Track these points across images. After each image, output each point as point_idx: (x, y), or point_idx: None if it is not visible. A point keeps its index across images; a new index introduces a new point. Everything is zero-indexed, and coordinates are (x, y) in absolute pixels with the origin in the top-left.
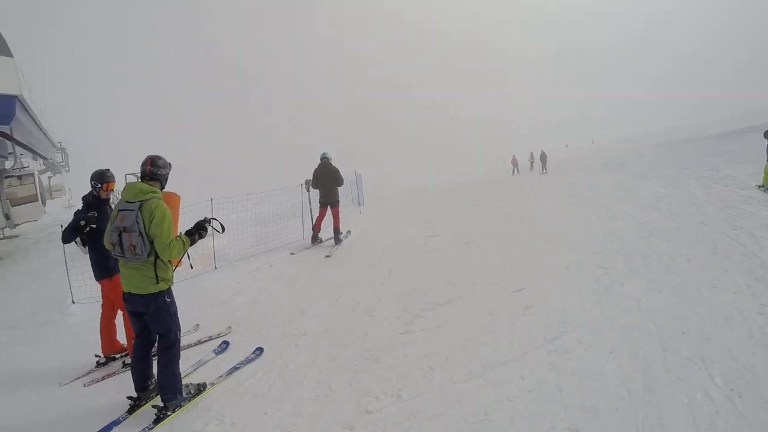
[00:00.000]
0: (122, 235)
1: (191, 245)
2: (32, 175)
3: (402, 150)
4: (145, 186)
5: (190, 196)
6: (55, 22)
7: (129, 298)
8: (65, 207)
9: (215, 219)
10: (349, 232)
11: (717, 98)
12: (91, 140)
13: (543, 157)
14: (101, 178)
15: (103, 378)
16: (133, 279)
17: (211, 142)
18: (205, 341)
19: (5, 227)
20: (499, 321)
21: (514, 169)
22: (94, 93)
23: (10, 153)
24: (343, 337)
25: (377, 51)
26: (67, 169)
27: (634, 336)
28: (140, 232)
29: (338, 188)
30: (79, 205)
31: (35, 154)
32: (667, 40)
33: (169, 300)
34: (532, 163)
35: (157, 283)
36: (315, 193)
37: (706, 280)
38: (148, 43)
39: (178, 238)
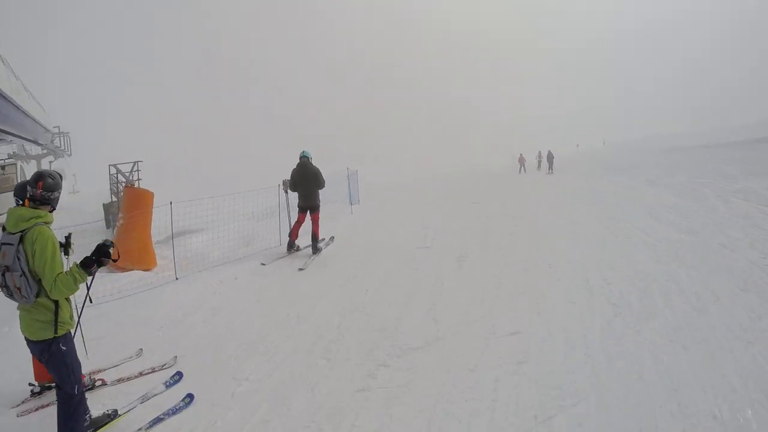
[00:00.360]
0: (6, 274)
1: (91, 276)
2: (15, 165)
3: (408, 143)
4: (26, 211)
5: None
6: (55, 22)
7: (27, 341)
8: (69, 192)
9: (110, 244)
10: (332, 238)
11: (726, 104)
12: (92, 140)
13: (550, 157)
14: (24, 192)
15: (37, 409)
16: (24, 321)
17: (211, 141)
18: (147, 373)
19: None
20: (482, 381)
21: (520, 167)
22: (94, 92)
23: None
24: (288, 390)
25: (382, 47)
26: (69, 153)
27: (651, 419)
28: (23, 272)
29: (319, 191)
30: (86, 192)
31: (22, 139)
32: (674, 39)
33: (64, 348)
34: (539, 162)
35: (50, 328)
36: (294, 195)
37: (738, 330)
38: (149, 42)
39: (68, 272)
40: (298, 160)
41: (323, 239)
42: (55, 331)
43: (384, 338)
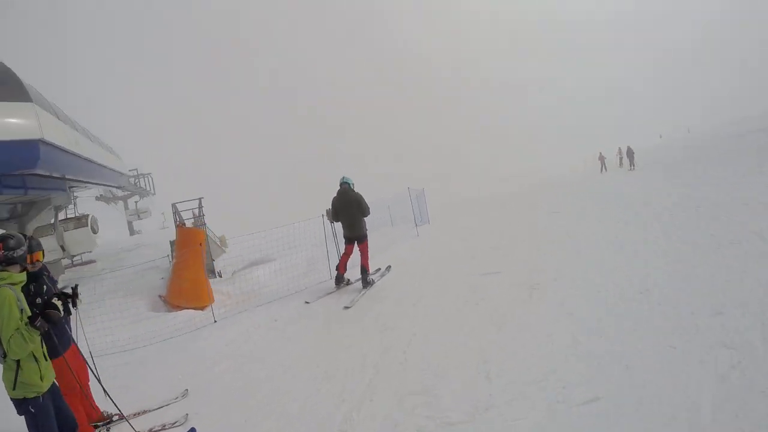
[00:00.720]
0: None
1: (44, 332)
2: (87, 216)
3: (478, 148)
4: None
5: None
6: (54, 22)
7: None
8: (160, 228)
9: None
10: (388, 268)
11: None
12: (166, 173)
13: (630, 153)
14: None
15: None
16: (2, 378)
17: (246, 152)
18: (158, 431)
19: (63, 257)
20: None
21: (602, 167)
22: (103, 95)
23: (72, 187)
24: None
25: (431, 40)
26: (153, 192)
27: None
28: None
29: (364, 219)
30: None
31: (98, 185)
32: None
33: (33, 411)
34: (620, 159)
35: (15, 389)
36: (339, 225)
37: None
38: (163, 46)
39: (17, 332)
40: (338, 187)
41: (378, 269)
42: (26, 393)
43: (420, 404)
